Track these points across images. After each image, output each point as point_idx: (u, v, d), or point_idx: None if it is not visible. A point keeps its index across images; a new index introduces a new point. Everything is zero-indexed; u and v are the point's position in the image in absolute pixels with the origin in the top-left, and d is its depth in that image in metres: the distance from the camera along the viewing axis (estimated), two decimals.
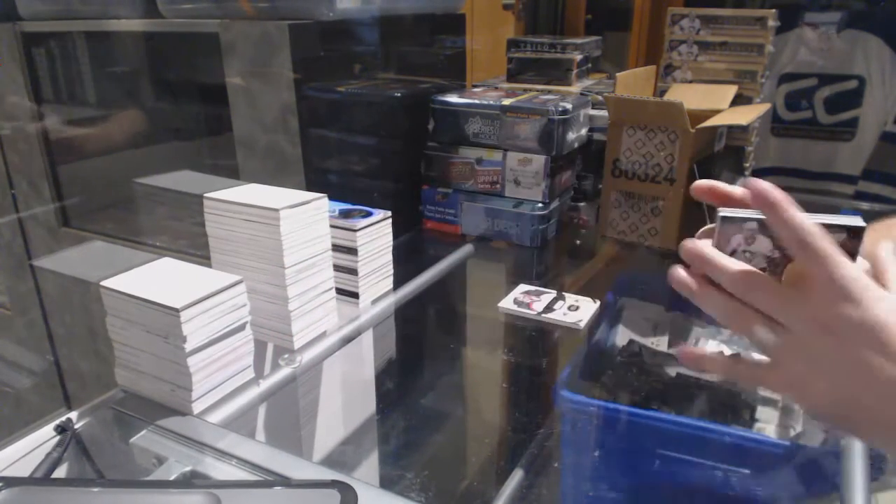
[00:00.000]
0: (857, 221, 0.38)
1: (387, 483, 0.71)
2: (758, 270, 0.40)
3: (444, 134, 1.20)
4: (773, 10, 1.16)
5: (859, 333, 0.36)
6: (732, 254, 0.41)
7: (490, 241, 1.20)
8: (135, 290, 0.65)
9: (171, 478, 0.58)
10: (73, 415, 0.67)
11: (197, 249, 1.31)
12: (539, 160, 1.12)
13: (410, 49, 1.40)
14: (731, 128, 1.16)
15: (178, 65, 1.42)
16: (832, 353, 0.37)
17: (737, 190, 0.41)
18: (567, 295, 0.98)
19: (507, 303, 0.97)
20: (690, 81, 1.24)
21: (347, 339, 0.85)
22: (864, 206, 1.34)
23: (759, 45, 1.17)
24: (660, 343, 0.95)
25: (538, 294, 0.99)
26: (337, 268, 0.86)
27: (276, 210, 0.73)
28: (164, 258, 0.73)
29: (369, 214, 0.89)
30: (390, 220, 0.92)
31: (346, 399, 0.88)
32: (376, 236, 0.90)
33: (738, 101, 1.17)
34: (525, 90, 1.29)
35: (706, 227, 0.43)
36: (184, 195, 1.32)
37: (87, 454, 0.66)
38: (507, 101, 1.14)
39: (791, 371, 0.39)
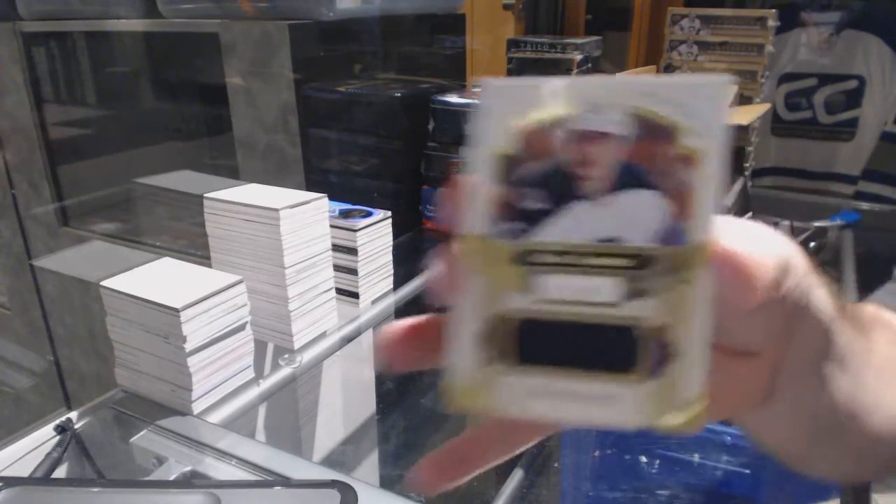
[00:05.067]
0: None
1: (387, 483, 0.71)
2: None
3: (444, 134, 1.20)
4: (773, 10, 1.16)
5: None
6: None
7: None
8: (135, 290, 0.65)
9: (171, 478, 0.58)
10: (73, 415, 0.67)
11: (197, 249, 1.31)
12: None
13: (410, 49, 1.40)
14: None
15: (178, 65, 1.42)
16: None
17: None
18: None
19: None
20: None
21: (347, 339, 0.85)
22: (864, 206, 1.34)
23: (759, 45, 1.17)
24: None
25: None
26: (337, 268, 0.86)
27: (276, 210, 0.73)
28: (164, 258, 0.73)
29: (369, 214, 0.89)
30: (390, 220, 0.92)
31: (346, 399, 0.88)
32: (376, 236, 0.90)
33: (738, 101, 1.17)
34: None
35: None
36: (184, 195, 1.32)
37: (87, 454, 0.66)
38: None
39: None
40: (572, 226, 0.21)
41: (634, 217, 0.20)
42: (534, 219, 0.21)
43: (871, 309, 0.42)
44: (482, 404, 0.21)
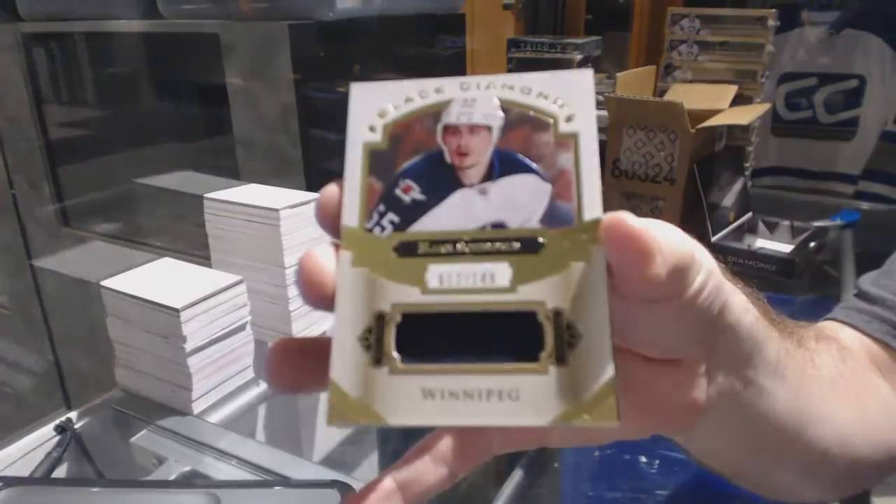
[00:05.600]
0: None
1: None
2: None
3: None
4: (773, 10, 1.16)
5: None
6: None
7: None
8: (135, 290, 0.65)
9: (171, 478, 0.58)
10: (73, 415, 0.67)
11: (197, 249, 1.31)
12: None
13: (410, 49, 1.40)
14: (731, 128, 1.16)
15: (178, 65, 1.42)
16: None
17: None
18: None
19: None
20: (690, 81, 1.24)
21: None
22: (865, 205, 1.34)
23: (759, 45, 1.17)
24: None
25: None
26: None
27: (276, 210, 0.73)
28: (165, 258, 0.73)
29: None
30: None
31: None
32: None
33: (738, 101, 1.16)
34: None
35: None
36: (184, 195, 1.32)
37: (87, 454, 0.66)
38: None
39: None
40: (455, 214, 0.20)
41: (518, 202, 0.20)
42: (414, 210, 0.20)
43: (823, 324, 0.41)
44: (370, 413, 0.19)
